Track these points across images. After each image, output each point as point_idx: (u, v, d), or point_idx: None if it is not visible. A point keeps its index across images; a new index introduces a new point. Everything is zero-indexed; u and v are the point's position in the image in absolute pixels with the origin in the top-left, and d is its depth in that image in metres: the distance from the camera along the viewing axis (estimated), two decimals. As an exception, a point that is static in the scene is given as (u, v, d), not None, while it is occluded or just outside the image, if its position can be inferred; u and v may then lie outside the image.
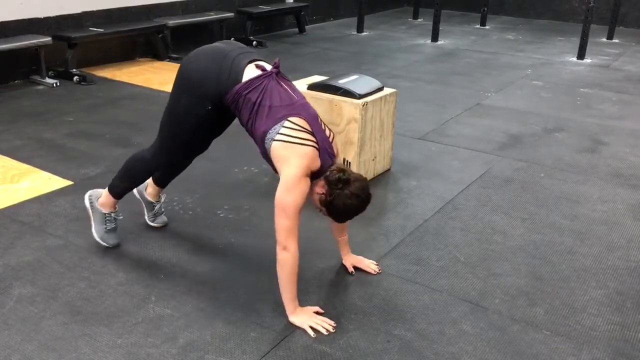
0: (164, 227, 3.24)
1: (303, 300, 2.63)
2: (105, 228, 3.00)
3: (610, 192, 3.88)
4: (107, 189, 2.98)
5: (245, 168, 4.02)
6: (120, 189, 2.96)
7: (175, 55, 7.07)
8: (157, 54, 7.08)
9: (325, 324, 2.48)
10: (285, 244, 2.41)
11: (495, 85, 6.40)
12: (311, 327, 2.46)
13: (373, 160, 3.91)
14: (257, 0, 8.60)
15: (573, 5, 10.58)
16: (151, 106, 5.34)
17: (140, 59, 7.09)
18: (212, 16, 7.61)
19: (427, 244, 3.18)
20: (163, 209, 3.25)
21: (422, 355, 2.37)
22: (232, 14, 7.90)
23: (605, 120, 5.31)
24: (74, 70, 6.07)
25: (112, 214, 3.01)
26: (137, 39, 7.02)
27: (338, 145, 2.92)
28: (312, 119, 2.51)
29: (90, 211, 3.02)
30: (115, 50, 6.85)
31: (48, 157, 4.14)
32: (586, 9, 7.57)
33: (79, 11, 6.42)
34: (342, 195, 2.43)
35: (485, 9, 10.01)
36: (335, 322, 2.51)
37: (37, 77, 5.95)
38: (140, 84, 6.03)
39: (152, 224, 3.21)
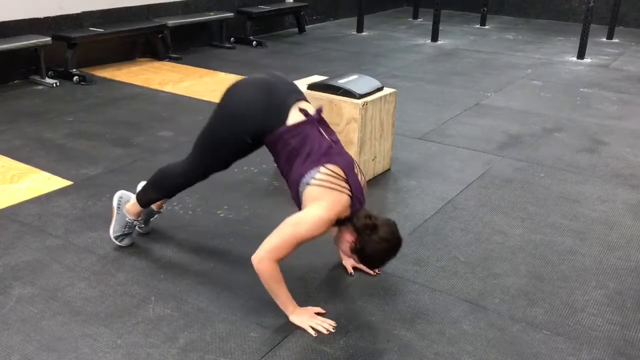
0: (163, 228, 3.23)
1: (303, 300, 2.63)
2: (124, 231, 3.02)
3: (610, 191, 3.88)
4: (135, 196, 2.99)
5: (245, 168, 4.02)
6: (147, 199, 2.96)
7: (175, 55, 7.08)
8: (156, 54, 7.08)
9: (325, 324, 2.48)
10: (262, 257, 2.40)
11: (495, 85, 6.41)
12: (312, 327, 2.47)
13: (373, 160, 3.91)
14: (257, 0, 8.60)
15: (573, 5, 10.58)
16: (151, 106, 5.35)
17: (140, 59, 7.09)
18: (212, 16, 7.61)
19: (427, 244, 3.18)
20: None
21: (422, 355, 2.37)
22: (232, 14, 7.91)
23: (605, 120, 5.32)
24: (74, 70, 6.07)
25: (135, 222, 3.03)
26: (136, 39, 7.02)
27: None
28: (348, 166, 2.51)
29: (115, 210, 3.02)
30: (115, 50, 6.85)
31: (48, 157, 4.14)
32: (586, 9, 7.57)
33: (78, 11, 6.42)
34: (371, 242, 2.45)
35: (485, 8, 10.01)
36: (335, 322, 2.51)
37: (36, 77, 5.95)
38: (140, 84, 6.03)
39: (139, 230, 3.16)
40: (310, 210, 2.41)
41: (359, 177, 2.57)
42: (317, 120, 2.57)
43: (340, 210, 2.43)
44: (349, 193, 2.46)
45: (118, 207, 3.02)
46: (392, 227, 2.51)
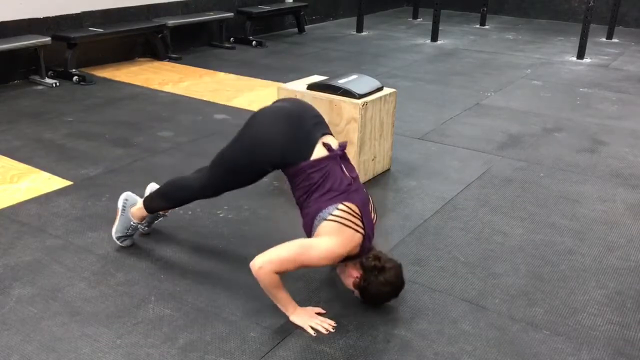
0: (163, 228, 3.23)
1: (303, 300, 2.63)
2: (126, 233, 3.01)
3: (609, 191, 3.88)
4: (142, 201, 2.98)
5: (245, 168, 4.02)
6: (155, 206, 2.95)
7: (174, 55, 7.08)
8: (156, 54, 7.08)
9: (325, 324, 2.49)
10: (262, 265, 2.39)
11: (495, 85, 6.41)
12: (311, 327, 2.47)
13: (373, 160, 3.91)
14: (257, 0, 8.60)
15: (572, 5, 10.58)
16: (151, 106, 5.35)
17: (140, 59, 7.09)
18: (212, 16, 7.61)
19: (427, 244, 3.18)
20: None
21: (422, 355, 2.37)
22: (232, 13, 7.90)
23: (604, 120, 5.32)
24: (74, 70, 6.06)
25: (139, 226, 3.03)
26: (136, 39, 7.02)
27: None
28: (363, 204, 2.53)
29: (119, 212, 3.02)
30: (115, 50, 6.85)
31: (47, 158, 4.14)
32: (586, 9, 7.57)
33: (78, 11, 6.42)
34: (376, 283, 2.49)
35: (485, 8, 10.01)
36: (335, 322, 2.51)
37: (36, 77, 5.95)
38: (139, 84, 6.03)
39: (141, 231, 3.16)
40: (325, 241, 2.44)
41: (372, 215, 2.61)
42: (339, 157, 2.58)
43: (352, 248, 2.48)
44: (363, 232, 2.49)
45: (123, 209, 3.01)
46: (398, 270, 2.54)
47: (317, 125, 2.61)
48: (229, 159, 2.68)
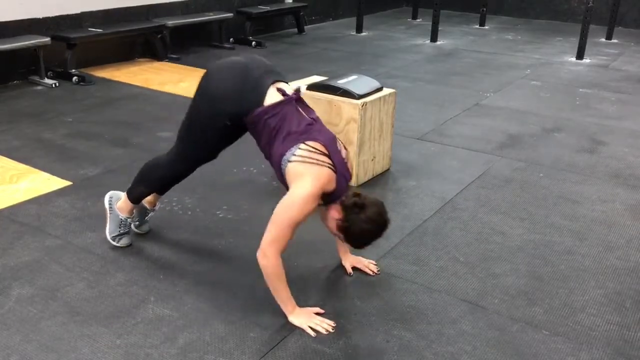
0: (162, 228, 3.23)
1: (302, 300, 2.63)
2: (119, 231, 3.02)
3: (609, 192, 3.88)
4: (125, 193, 3.00)
5: (245, 168, 4.02)
6: (136, 194, 2.97)
7: (174, 56, 7.08)
8: (156, 54, 7.08)
9: (324, 324, 2.48)
10: (265, 251, 2.41)
11: (494, 85, 6.41)
12: (311, 327, 2.47)
13: (372, 160, 3.91)
14: (256, 1, 8.60)
15: (572, 5, 10.58)
16: (150, 106, 5.35)
17: (140, 59, 7.09)
18: (211, 16, 7.61)
19: (426, 244, 3.19)
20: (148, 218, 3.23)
21: (421, 356, 2.37)
22: (231, 14, 7.90)
23: (604, 120, 5.32)
24: (73, 70, 6.06)
25: (128, 220, 3.02)
26: (136, 39, 7.02)
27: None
28: (329, 142, 2.51)
29: (108, 211, 3.02)
30: (114, 51, 6.84)
31: (47, 158, 4.14)
32: (585, 9, 7.57)
33: (78, 11, 6.42)
34: (358, 221, 2.44)
35: (484, 9, 10.01)
36: (335, 322, 2.51)
37: (36, 78, 5.95)
38: (139, 84, 6.03)
39: (136, 229, 3.16)
40: (295, 190, 2.41)
41: (342, 152, 2.57)
42: (295, 100, 2.57)
43: (325, 183, 2.42)
44: (332, 167, 2.46)
45: (110, 207, 3.02)
46: (380, 207, 2.49)
47: (268, 73, 2.60)
48: (187, 123, 2.72)
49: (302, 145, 2.44)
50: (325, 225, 2.65)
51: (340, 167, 2.49)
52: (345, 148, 2.63)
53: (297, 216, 2.39)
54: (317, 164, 2.42)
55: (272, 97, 2.54)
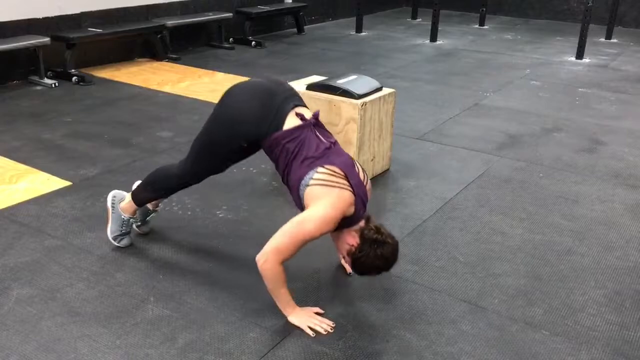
0: (162, 228, 3.23)
1: (302, 300, 2.63)
2: (121, 230, 3.02)
3: (608, 192, 3.88)
4: (130, 195, 2.99)
5: (244, 168, 4.02)
6: (142, 197, 2.97)
7: (173, 56, 7.08)
8: (155, 54, 7.08)
9: (324, 324, 2.48)
10: (268, 257, 2.40)
11: (494, 85, 6.41)
12: (310, 328, 2.47)
13: (372, 160, 3.92)
14: (256, 1, 8.60)
15: (571, 5, 10.59)
16: (150, 106, 5.35)
17: (139, 60, 7.08)
18: (211, 16, 7.61)
19: (426, 244, 3.19)
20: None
21: (421, 356, 2.37)
22: (231, 14, 7.90)
23: (603, 120, 5.32)
24: (73, 70, 6.06)
25: (131, 220, 3.02)
26: (135, 40, 7.02)
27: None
28: (347, 165, 2.52)
29: (110, 211, 3.02)
30: (114, 51, 6.84)
31: (46, 158, 4.13)
32: (584, 9, 7.57)
33: (77, 12, 6.41)
34: (372, 255, 2.46)
35: (484, 9, 10.01)
36: (334, 322, 2.51)
37: (35, 78, 5.95)
38: (139, 85, 6.03)
39: (137, 230, 3.16)
40: (316, 208, 2.41)
41: (361, 175, 2.57)
42: (313, 124, 2.58)
43: (344, 207, 2.43)
44: (351, 190, 2.46)
45: (113, 207, 3.02)
46: (395, 246, 2.53)
47: (288, 98, 2.62)
48: (204, 138, 2.71)
49: (320, 169, 2.45)
50: (334, 241, 2.66)
51: (358, 190, 2.50)
52: (364, 171, 2.63)
53: (312, 232, 2.39)
54: (337, 186, 2.43)
55: (291, 121, 2.55)
